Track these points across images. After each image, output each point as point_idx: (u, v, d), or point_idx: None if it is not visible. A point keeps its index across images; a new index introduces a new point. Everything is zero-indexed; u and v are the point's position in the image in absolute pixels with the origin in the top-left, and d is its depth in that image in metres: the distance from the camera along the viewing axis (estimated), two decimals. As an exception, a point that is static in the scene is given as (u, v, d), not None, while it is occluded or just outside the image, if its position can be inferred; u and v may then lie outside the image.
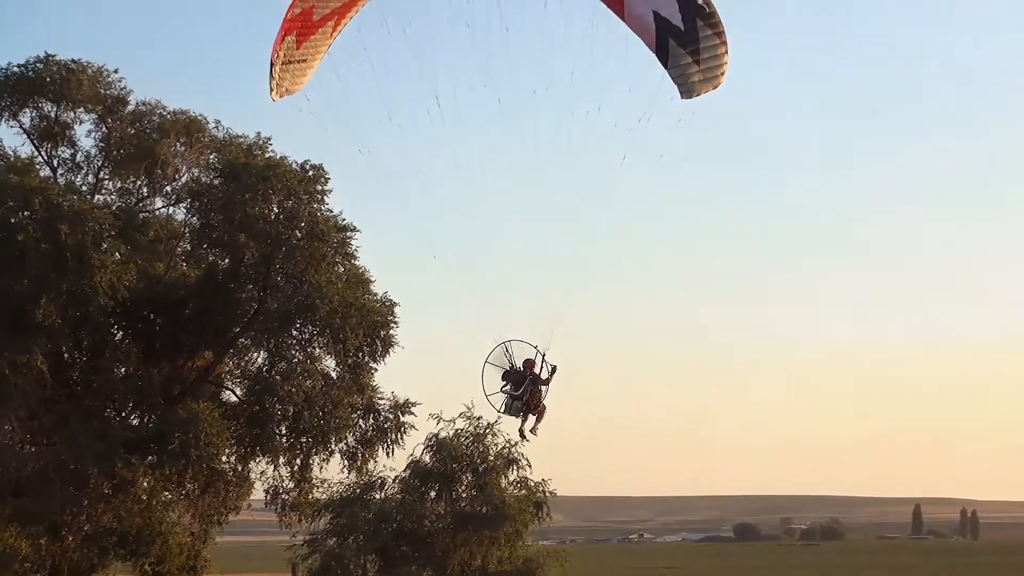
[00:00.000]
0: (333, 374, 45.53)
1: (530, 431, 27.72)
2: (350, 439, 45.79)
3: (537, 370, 27.11)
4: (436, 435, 45.78)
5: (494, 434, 45.44)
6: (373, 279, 45.52)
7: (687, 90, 21.37)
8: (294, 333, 44.66)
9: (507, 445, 45.22)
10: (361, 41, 27.07)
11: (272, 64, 26.94)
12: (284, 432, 44.98)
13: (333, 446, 45.49)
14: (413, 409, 46.44)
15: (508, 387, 27.11)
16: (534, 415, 27.38)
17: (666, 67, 21.40)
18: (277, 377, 44.59)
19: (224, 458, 44.05)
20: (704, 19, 21.09)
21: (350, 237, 44.73)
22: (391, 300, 45.42)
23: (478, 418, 45.56)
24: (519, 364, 27.11)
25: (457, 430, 45.64)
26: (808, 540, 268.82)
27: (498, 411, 27.26)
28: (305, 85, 27.63)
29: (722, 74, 21.73)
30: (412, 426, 46.22)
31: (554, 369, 27.10)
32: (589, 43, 21.85)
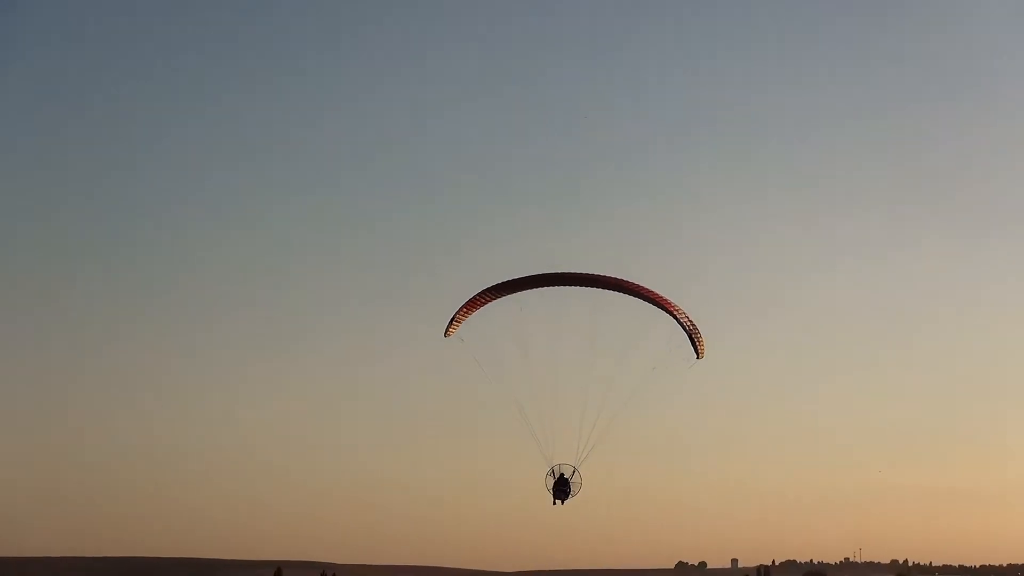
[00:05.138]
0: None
1: (562, 503, 55.51)
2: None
3: (567, 476, 54.82)
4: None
5: None
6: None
7: (697, 354, 50.99)
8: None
9: None
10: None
11: (455, 320, 51.55)
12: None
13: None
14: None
15: (555, 488, 54.78)
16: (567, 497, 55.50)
17: (692, 343, 50.57)
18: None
19: None
20: (694, 330, 50.74)
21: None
22: None
23: None
24: (558, 474, 54.69)
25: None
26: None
27: (558, 499, 54.90)
28: (453, 335, 52.63)
29: (704, 350, 51.34)
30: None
31: (574, 471, 54.71)
32: (644, 332, 50.55)
